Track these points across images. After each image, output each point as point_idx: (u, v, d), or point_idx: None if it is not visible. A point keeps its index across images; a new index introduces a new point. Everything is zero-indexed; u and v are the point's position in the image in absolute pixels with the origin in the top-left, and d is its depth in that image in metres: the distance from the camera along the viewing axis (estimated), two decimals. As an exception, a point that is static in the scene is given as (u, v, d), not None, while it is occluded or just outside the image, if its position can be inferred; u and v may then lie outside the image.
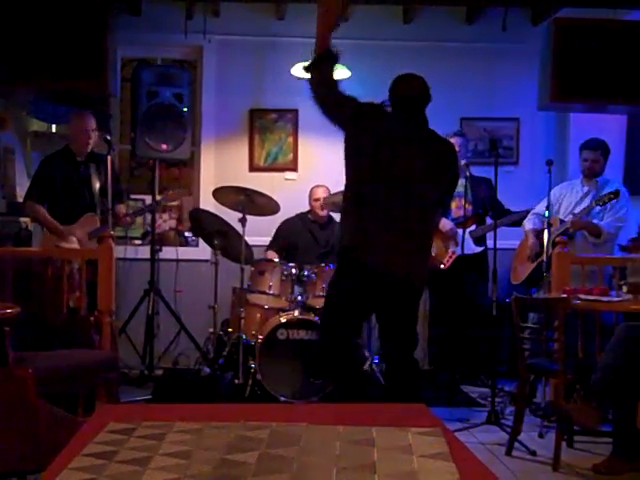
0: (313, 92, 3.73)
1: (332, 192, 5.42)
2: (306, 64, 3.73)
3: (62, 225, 5.01)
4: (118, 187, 5.39)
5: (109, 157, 4.57)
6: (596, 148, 5.23)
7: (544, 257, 4.84)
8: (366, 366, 5.08)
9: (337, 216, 5.18)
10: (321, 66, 3.67)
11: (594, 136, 5.32)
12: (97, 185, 5.01)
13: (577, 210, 5.20)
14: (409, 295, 3.75)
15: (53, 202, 5.03)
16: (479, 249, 5.65)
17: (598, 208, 5.10)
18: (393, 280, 3.64)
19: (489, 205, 5.21)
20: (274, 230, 5.78)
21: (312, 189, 5.74)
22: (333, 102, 3.74)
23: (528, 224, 5.45)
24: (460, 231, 5.30)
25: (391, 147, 3.66)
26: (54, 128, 6.37)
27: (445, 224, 5.49)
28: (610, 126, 6.02)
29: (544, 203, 5.13)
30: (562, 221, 5.15)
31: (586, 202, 5.21)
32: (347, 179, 3.76)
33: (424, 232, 3.75)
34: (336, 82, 3.70)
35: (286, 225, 5.77)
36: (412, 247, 3.65)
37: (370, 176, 3.65)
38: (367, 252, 3.60)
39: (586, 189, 5.28)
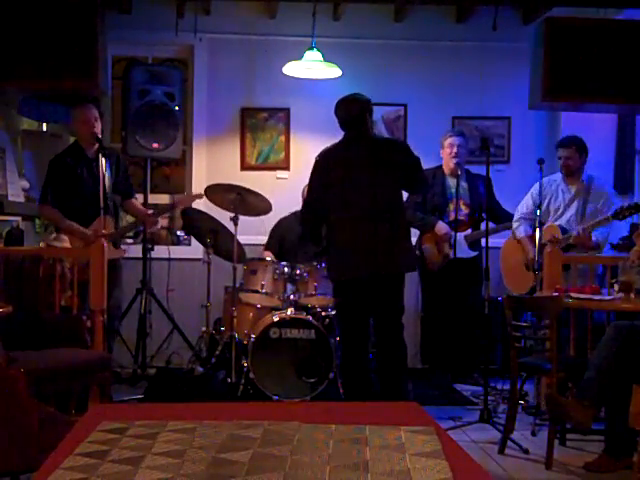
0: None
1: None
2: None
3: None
4: (127, 183, 5.37)
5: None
6: (569, 145, 5.18)
7: (536, 257, 4.82)
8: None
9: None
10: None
11: (581, 135, 5.29)
12: (109, 182, 4.95)
13: (568, 213, 5.16)
14: (391, 283, 4.18)
15: (66, 202, 4.97)
16: (474, 253, 5.65)
17: (590, 209, 5.10)
18: (371, 278, 4.10)
19: (487, 206, 5.18)
20: (267, 229, 5.77)
21: (305, 188, 5.69)
22: (322, 214, 4.34)
23: (519, 232, 5.37)
24: (452, 234, 5.29)
25: (343, 167, 4.25)
26: (44, 127, 6.33)
27: (441, 227, 5.49)
28: (601, 125, 6.04)
29: (528, 204, 5.16)
30: (563, 229, 5.11)
31: (576, 204, 5.18)
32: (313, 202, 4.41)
33: (385, 221, 4.12)
34: (317, 233, 4.43)
35: (281, 224, 5.74)
36: (377, 243, 4.10)
37: (330, 196, 4.27)
38: (342, 266, 4.18)
39: (573, 190, 5.24)
